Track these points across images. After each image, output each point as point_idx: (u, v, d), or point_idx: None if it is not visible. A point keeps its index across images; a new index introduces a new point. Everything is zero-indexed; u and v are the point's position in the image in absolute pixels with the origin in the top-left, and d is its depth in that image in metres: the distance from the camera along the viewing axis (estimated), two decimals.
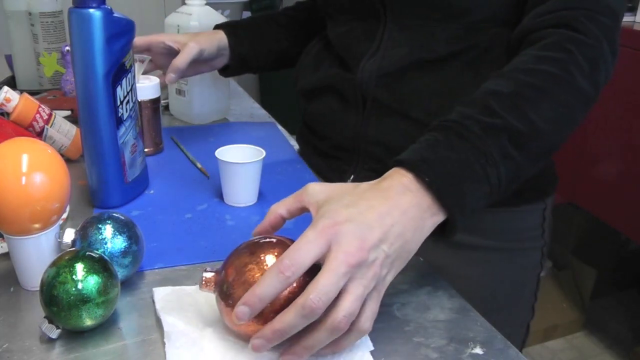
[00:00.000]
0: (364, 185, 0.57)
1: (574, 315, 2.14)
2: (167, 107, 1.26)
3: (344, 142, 0.88)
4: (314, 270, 0.50)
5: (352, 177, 0.88)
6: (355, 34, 0.86)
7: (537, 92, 0.62)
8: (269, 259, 0.52)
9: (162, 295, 0.62)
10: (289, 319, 0.48)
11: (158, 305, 0.60)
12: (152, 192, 0.88)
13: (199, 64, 1.01)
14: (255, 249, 0.54)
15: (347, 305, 0.48)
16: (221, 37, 1.02)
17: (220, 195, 0.86)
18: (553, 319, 2.10)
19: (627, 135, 1.72)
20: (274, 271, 0.48)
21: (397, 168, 0.58)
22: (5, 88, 0.89)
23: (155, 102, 0.99)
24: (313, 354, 0.51)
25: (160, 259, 0.70)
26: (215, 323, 0.56)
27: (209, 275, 0.55)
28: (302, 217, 0.81)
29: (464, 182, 0.57)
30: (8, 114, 0.89)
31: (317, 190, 0.57)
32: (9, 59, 1.42)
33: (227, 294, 0.53)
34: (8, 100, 0.88)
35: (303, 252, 0.49)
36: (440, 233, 0.59)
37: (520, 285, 0.90)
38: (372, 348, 0.55)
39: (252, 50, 1.05)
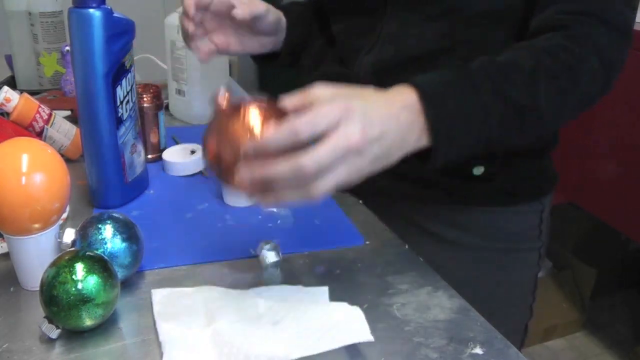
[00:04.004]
0: (371, 90, 0.60)
1: (574, 315, 2.14)
2: (167, 107, 1.26)
3: None
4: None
5: None
6: (355, 30, 0.85)
7: (552, 79, 0.65)
8: (252, 112, 0.54)
9: (160, 297, 0.61)
10: (279, 169, 0.51)
11: (155, 309, 0.60)
12: (152, 192, 0.88)
13: (254, 33, 0.89)
14: (235, 107, 0.55)
15: (328, 175, 0.52)
16: (281, 15, 0.92)
17: (220, 195, 0.86)
18: (553, 319, 2.10)
19: (627, 135, 1.72)
20: (287, 127, 0.51)
21: (408, 87, 0.61)
22: (5, 88, 0.89)
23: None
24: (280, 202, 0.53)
25: (160, 259, 0.70)
26: (212, 325, 0.56)
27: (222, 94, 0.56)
28: (301, 218, 0.81)
29: (457, 128, 0.61)
30: (8, 114, 0.89)
31: (324, 88, 0.58)
32: (9, 59, 1.42)
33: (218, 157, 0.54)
34: (8, 100, 0.88)
35: (320, 117, 0.51)
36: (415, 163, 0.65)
37: (518, 286, 0.91)
38: (372, 339, 0.55)
39: (303, 40, 0.96)
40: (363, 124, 0.53)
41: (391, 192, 0.86)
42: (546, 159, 0.87)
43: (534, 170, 0.85)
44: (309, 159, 0.51)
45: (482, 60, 0.65)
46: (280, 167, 0.51)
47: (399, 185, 0.84)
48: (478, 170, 0.80)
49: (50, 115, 0.93)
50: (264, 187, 0.53)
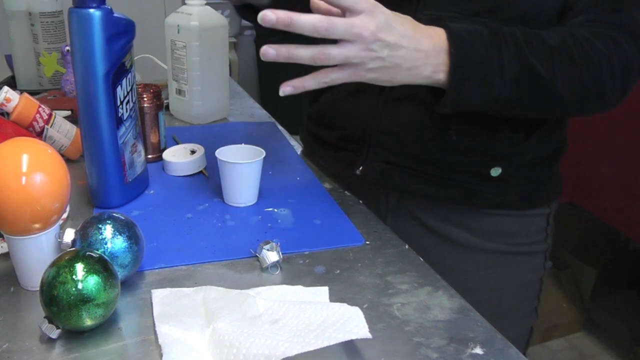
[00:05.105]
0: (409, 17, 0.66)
1: (574, 315, 2.14)
2: (167, 107, 1.26)
3: (355, 132, 0.87)
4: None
5: (360, 167, 0.87)
6: None
7: (572, 63, 0.68)
8: None
9: (160, 298, 0.61)
10: (301, 18, 0.58)
11: (155, 311, 0.60)
12: (152, 192, 0.88)
13: None
14: None
15: (337, 46, 0.60)
16: None
17: (220, 195, 0.86)
18: (553, 319, 2.09)
19: (627, 136, 1.72)
20: (311, 19, 0.58)
21: (441, 27, 0.67)
22: (5, 88, 0.89)
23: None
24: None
25: (160, 259, 0.70)
26: (212, 325, 0.56)
27: None
28: (301, 218, 0.81)
29: (474, 74, 0.66)
30: (8, 114, 0.89)
31: None
32: (9, 59, 1.42)
33: None
34: (8, 100, 0.88)
35: (340, 28, 0.59)
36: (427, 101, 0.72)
37: (525, 289, 0.91)
38: (370, 337, 0.55)
39: None
40: (380, 25, 0.60)
41: (409, 189, 0.85)
42: (557, 163, 0.87)
43: (546, 175, 0.85)
44: (323, 18, 0.58)
45: (513, 27, 0.69)
46: (302, 17, 0.58)
47: (417, 182, 0.83)
48: (495, 172, 0.80)
49: (50, 115, 0.93)
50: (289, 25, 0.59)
